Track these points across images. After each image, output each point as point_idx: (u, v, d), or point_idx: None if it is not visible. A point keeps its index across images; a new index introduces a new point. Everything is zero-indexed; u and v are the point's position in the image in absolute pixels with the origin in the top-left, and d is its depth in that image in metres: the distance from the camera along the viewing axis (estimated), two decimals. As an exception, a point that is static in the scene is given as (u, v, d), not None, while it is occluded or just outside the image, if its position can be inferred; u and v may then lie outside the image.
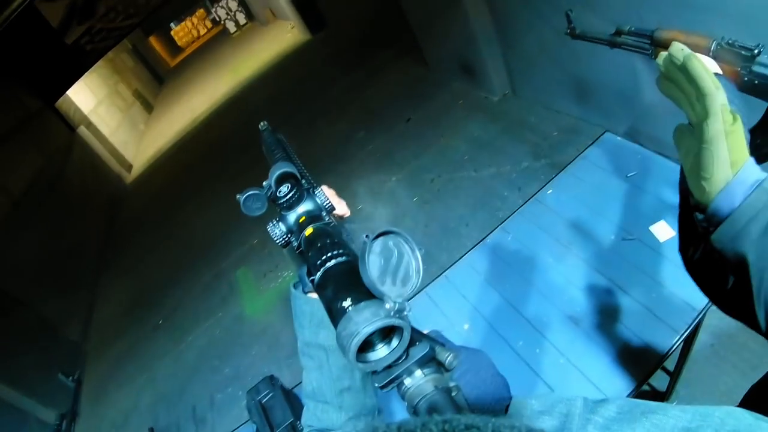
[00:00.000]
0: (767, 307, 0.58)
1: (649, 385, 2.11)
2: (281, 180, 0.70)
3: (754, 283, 0.57)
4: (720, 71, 0.74)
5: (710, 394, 2.06)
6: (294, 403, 1.75)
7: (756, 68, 0.71)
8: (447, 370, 0.46)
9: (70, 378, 1.96)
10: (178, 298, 4.86)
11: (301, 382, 1.93)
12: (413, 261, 0.45)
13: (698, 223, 0.65)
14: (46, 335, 4.78)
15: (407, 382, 0.44)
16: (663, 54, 0.65)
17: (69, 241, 6.34)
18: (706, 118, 0.59)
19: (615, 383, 1.41)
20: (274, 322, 3.80)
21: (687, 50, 0.62)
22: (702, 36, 0.75)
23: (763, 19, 1.77)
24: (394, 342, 0.43)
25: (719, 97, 0.58)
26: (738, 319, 0.68)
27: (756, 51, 0.71)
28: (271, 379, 1.85)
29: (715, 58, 0.74)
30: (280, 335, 3.62)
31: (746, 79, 0.72)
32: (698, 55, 0.61)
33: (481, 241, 2.01)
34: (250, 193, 0.67)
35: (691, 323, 1.44)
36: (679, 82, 0.63)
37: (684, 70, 0.61)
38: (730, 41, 0.73)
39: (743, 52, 0.72)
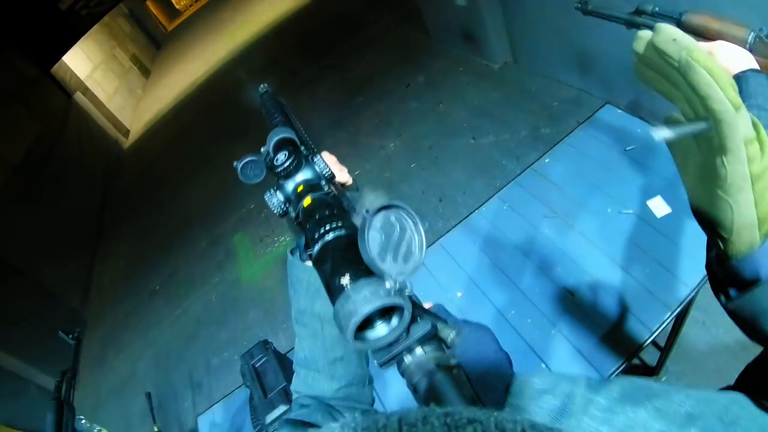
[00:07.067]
0: None
1: (639, 359, 2.14)
2: (279, 146, 0.67)
3: None
4: (757, 66, 0.64)
5: (700, 371, 2.08)
6: (287, 367, 1.76)
7: None
8: (448, 348, 0.45)
9: (71, 336, 1.98)
10: (174, 263, 4.88)
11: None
12: (416, 236, 0.43)
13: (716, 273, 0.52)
14: (46, 303, 4.82)
15: (407, 360, 0.43)
16: (641, 36, 0.45)
17: (66, 208, 6.31)
18: (722, 153, 0.40)
19: (605, 356, 1.43)
20: (270, 286, 3.83)
21: (686, 43, 0.40)
22: (739, 25, 0.66)
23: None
24: (394, 321, 0.41)
25: (741, 125, 0.38)
26: None
27: None
28: (265, 344, 1.86)
29: (751, 50, 0.65)
30: (276, 300, 3.65)
31: None
32: (717, 46, 0.49)
33: (476, 209, 2.00)
34: (248, 159, 0.64)
35: (684, 300, 1.44)
36: (670, 77, 0.43)
37: (683, 74, 0.41)
38: None
39: None
